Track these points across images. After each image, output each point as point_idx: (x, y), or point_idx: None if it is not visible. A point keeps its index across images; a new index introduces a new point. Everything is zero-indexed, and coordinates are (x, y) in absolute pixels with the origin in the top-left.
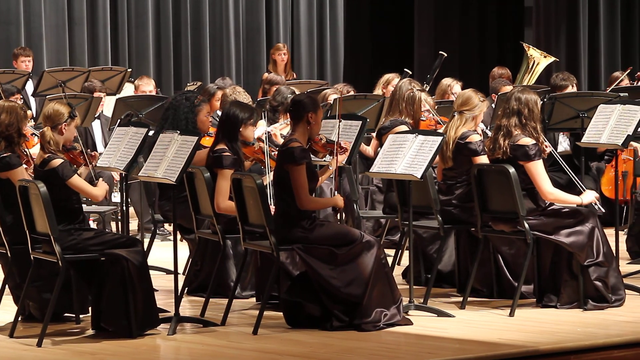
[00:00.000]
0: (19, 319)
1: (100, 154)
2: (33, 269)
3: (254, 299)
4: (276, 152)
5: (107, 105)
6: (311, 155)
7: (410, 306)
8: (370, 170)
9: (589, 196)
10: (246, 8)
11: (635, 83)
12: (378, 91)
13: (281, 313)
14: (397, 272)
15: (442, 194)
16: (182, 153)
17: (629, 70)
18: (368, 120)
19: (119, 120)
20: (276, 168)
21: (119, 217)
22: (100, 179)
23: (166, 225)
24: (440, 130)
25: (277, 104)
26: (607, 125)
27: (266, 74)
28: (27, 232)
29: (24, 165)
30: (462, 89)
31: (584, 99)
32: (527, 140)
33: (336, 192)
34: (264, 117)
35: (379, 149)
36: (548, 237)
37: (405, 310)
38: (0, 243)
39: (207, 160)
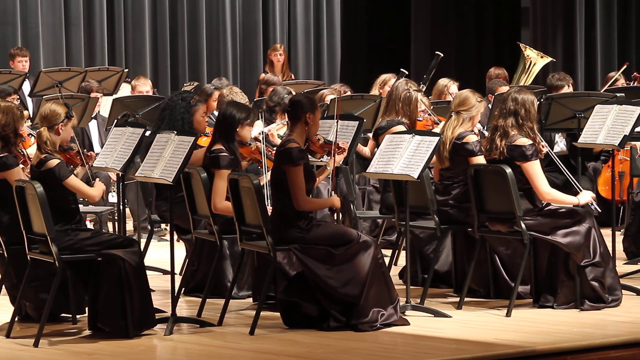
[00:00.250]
0: (16, 319)
1: (97, 154)
2: (30, 269)
3: (250, 299)
4: (273, 153)
5: (104, 106)
6: (309, 156)
7: (407, 306)
8: (367, 171)
9: (585, 197)
10: (243, 8)
11: (631, 83)
12: (375, 91)
13: (278, 313)
14: (394, 272)
15: (439, 194)
16: (179, 153)
17: (624, 67)
18: (365, 120)
19: (115, 121)
20: (273, 168)
21: (116, 218)
22: (97, 179)
23: (163, 226)
24: (437, 131)
25: (274, 104)
26: (603, 125)
27: (263, 75)
28: (23, 232)
29: (21, 166)
30: (459, 89)
31: (581, 99)
32: (524, 141)
33: (333, 192)
34: (261, 118)
35: (376, 149)
36: (545, 237)
37: (402, 311)
38: None
39: (204, 161)
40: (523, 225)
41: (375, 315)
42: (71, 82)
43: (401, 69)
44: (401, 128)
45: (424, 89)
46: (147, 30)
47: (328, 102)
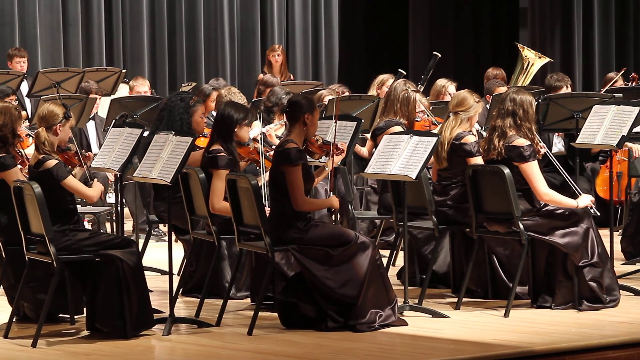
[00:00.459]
0: (14, 319)
1: (95, 154)
2: (28, 269)
3: (248, 300)
4: (271, 153)
5: (102, 106)
6: (307, 156)
7: (405, 307)
8: (365, 171)
9: (584, 200)
10: (241, 9)
11: (629, 84)
12: (372, 92)
13: (276, 314)
14: (392, 272)
15: (437, 195)
16: (177, 154)
17: (623, 71)
18: (363, 120)
19: (113, 121)
20: (272, 169)
21: (114, 218)
22: (95, 179)
23: (161, 226)
24: (435, 131)
25: (272, 104)
26: (601, 126)
27: (261, 75)
28: (21, 232)
29: (19, 166)
30: (457, 89)
31: (579, 100)
32: (522, 141)
33: (331, 192)
34: (259, 118)
35: (374, 149)
36: (543, 237)
37: (400, 311)
38: None
39: (202, 161)
40: (521, 226)
41: (373, 315)
42: (69, 82)
43: (399, 70)
44: (399, 128)
45: (421, 90)
46: (145, 31)
47: (326, 103)
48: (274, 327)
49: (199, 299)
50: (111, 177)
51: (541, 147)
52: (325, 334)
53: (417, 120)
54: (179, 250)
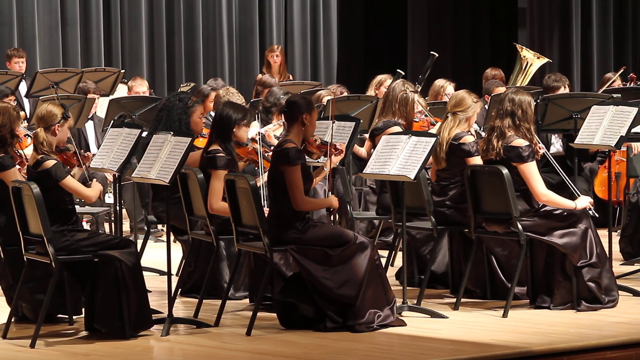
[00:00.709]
0: (12, 320)
1: (93, 155)
2: (26, 270)
3: (247, 300)
4: (270, 153)
5: (100, 106)
6: (306, 157)
7: (404, 307)
8: (363, 172)
9: (583, 202)
10: (239, 9)
11: (627, 84)
12: (370, 92)
13: (274, 314)
14: (391, 273)
15: (435, 195)
16: (176, 154)
17: (621, 71)
18: (361, 121)
19: (112, 121)
20: (270, 169)
21: (112, 218)
22: (94, 179)
23: (159, 226)
24: (433, 131)
25: (270, 105)
26: (600, 126)
27: (260, 75)
28: (20, 233)
29: (17, 166)
30: (455, 90)
31: (577, 100)
32: (520, 142)
33: (330, 192)
34: (257, 119)
35: (372, 150)
36: (541, 238)
37: (399, 312)
38: None
39: (200, 161)
40: (519, 226)
41: (371, 316)
42: (67, 82)
43: (397, 70)
44: (398, 129)
45: (419, 89)
46: (143, 31)
47: (325, 103)
48: (272, 327)
49: (197, 300)
50: (110, 178)
51: (540, 148)
52: (324, 334)
53: (416, 121)
54: (177, 250)
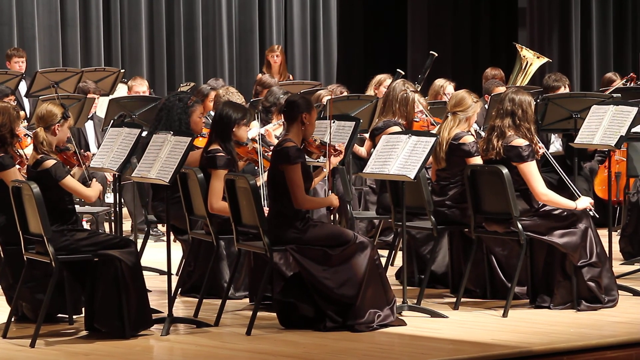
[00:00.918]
0: (12, 319)
1: (93, 154)
2: (26, 269)
3: (247, 300)
4: (270, 153)
5: (100, 106)
6: (305, 156)
7: (404, 307)
8: (363, 171)
9: (583, 202)
10: (239, 9)
11: (627, 84)
12: (370, 92)
13: (274, 314)
14: (391, 272)
15: (435, 195)
16: (175, 154)
17: (628, 78)
18: (361, 121)
19: (112, 121)
20: (270, 168)
21: (112, 218)
22: (94, 179)
23: (159, 226)
24: (434, 131)
25: (270, 104)
26: (600, 126)
27: (260, 75)
28: (20, 232)
29: (17, 166)
30: (455, 89)
31: (577, 100)
32: (520, 141)
33: (330, 192)
34: (257, 118)
35: (372, 149)
36: (541, 237)
37: (399, 311)
38: None
39: (200, 161)
40: (519, 226)
41: (371, 316)
42: (67, 82)
43: (397, 70)
44: (398, 129)
45: (419, 89)
46: (143, 31)
47: (325, 103)
48: (272, 327)
49: (197, 299)
50: (110, 177)
51: (540, 147)
52: (324, 334)
53: (416, 121)
54: (177, 250)
